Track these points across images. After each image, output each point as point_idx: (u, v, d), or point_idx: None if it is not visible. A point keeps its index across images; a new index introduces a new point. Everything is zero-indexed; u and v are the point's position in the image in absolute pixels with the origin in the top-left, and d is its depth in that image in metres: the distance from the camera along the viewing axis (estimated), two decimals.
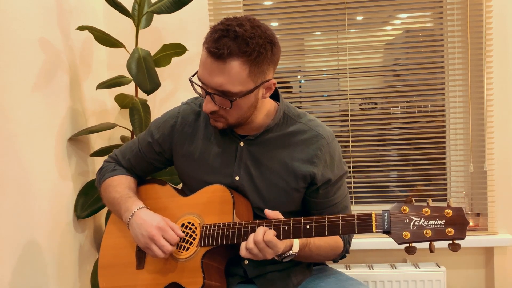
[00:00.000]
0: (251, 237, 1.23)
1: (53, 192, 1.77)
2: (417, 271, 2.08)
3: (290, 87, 2.41)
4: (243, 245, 1.23)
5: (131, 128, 2.01)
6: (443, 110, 2.30)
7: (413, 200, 1.15)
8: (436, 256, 2.09)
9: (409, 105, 2.31)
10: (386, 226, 1.14)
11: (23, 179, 1.58)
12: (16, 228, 1.54)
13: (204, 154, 1.45)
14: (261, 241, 1.20)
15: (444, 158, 2.31)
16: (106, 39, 1.96)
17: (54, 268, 1.75)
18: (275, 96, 1.44)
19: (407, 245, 1.13)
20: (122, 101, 2.07)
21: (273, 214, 1.27)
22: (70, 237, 1.88)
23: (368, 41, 2.30)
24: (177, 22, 2.23)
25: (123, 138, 2.19)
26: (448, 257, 2.19)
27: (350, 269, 2.14)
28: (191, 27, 2.25)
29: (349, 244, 1.51)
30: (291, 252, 1.28)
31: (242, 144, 1.42)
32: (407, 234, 1.11)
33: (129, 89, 2.08)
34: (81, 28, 1.87)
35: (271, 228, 1.23)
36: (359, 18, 2.32)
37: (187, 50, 2.08)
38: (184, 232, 1.38)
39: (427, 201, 1.15)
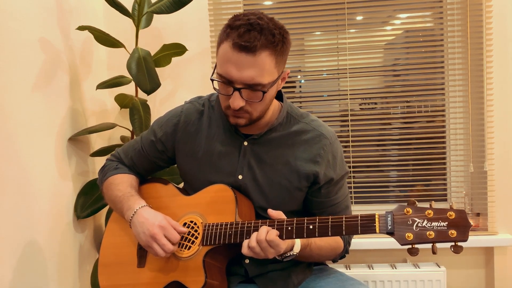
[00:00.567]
0: (253, 235, 1.23)
1: (53, 192, 1.76)
2: (417, 271, 2.08)
3: (294, 86, 2.41)
4: (245, 243, 1.24)
5: (131, 128, 2.01)
6: (443, 110, 2.30)
7: (416, 202, 1.15)
8: (436, 256, 2.09)
9: (409, 105, 2.31)
10: (390, 227, 1.14)
11: (23, 179, 1.58)
12: (16, 228, 1.53)
13: (207, 153, 1.45)
14: (263, 240, 1.20)
15: (444, 158, 2.31)
16: (106, 39, 1.96)
17: (54, 268, 1.75)
18: (278, 96, 1.44)
19: (409, 246, 1.13)
20: (122, 101, 2.07)
21: (276, 214, 1.27)
22: (70, 237, 1.88)
23: (368, 41, 2.30)
24: (177, 22, 2.22)
25: (123, 138, 2.19)
26: (448, 257, 2.19)
27: (350, 269, 2.14)
28: (191, 27, 2.25)
29: (349, 244, 1.51)
30: (292, 252, 1.28)
31: (246, 143, 1.42)
32: (410, 236, 1.12)
33: (129, 89, 2.08)
34: (81, 28, 1.87)
35: (274, 228, 1.24)
36: (359, 18, 2.32)
37: (187, 50, 2.08)
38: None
39: (430, 203, 1.15)
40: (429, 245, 1.13)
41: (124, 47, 1.99)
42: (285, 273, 1.45)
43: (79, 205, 1.91)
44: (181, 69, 2.25)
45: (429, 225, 1.11)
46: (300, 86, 2.39)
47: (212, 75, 1.31)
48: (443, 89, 2.27)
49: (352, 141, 2.29)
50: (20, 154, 1.56)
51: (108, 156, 1.65)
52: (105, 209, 2.03)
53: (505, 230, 2.19)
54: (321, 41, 2.36)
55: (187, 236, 1.38)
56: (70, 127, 1.90)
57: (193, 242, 1.37)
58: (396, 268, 2.11)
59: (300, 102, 2.36)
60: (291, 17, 2.30)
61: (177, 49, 2.07)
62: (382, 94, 2.35)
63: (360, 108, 2.37)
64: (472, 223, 1.11)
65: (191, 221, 1.40)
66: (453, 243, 1.10)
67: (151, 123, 1.60)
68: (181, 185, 1.59)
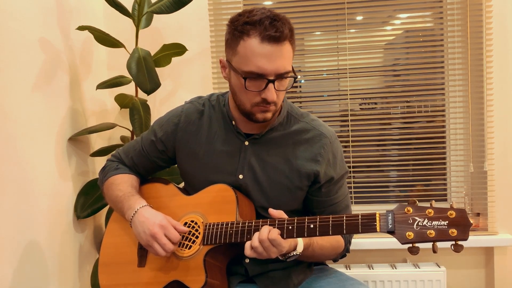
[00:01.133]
0: (255, 235, 1.22)
1: (53, 192, 1.76)
2: (417, 271, 2.08)
3: (294, 86, 2.39)
4: (247, 244, 1.23)
5: (131, 128, 2.01)
6: (443, 110, 2.30)
7: (417, 201, 1.16)
8: (436, 256, 2.09)
9: (409, 105, 2.31)
10: (390, 226, 1.14)
11: (23, 179, 1.58)
12: (16, 228, 1.53)
13: (207, 153, 1.45)
14: (266, 239, 1.20)
15: (444, 158, 2.31)
16: (106, 39, 1.96)
17: (54, 268, 1.74)
18: None
19: (410, 245, 1.13)
20: (122, 101, 2.07)
21: (277, 213, 1.27)
22: (70, 237, 1.88)
23: (368, 41, 2.30)
24: (177, 22, 2.22)
25: (123, 138, 2.19)
26: (448, 257, 2.19)
27: (350, 269, 2.14)
28: (191, 27, 2.25)
29: (350, 243, 1.52)
30: (295, 252, 1.28)
31: (247, 143, 1.43)
32: (410, 234, 1.12)
33: (129, 89, 2.08)
34: (81, 28, 1.87)
35: (275, 227, 1.24)
36: (359, 18, 2.32)
37: (187, 50, 2.08)
38: None
39: (431, 202, 1.15)
40: (430, 244, 1.13)
41: (124, 47, 1.99)
42: (285, 273, 1.46)
43: (79, 205, 1.90)
44: (181, 69, 2.25)
45: (430, 224, 1.11)
46: (300, 86, 2.39)
47: (242, 75, 1.27)
48: (443, 89, 2.27)
49: (352, 141, 2.29)
50: (20, 154, 1.56)
51: (109, 156, 1.66)
52: (105, 209, 2.02)
53: (505, 230, 2.19)
54: (321, 41, 2.36)
55: (187, 235, 1.38)
56: (70, 127, 1.90)
57: (193, 241, 1.37)
58: (396, 268, 2.11)
59: (300, 102, 2.36)
60: (291, 17, 2.25)
61: (177, 49, 2.07)
62: (382, 94, 2.35)
63: (360, 108, 2.37)
64: (472, 223, 1.11)
65: (192, 221, 1.40)
66: (453, 242, 1.10)
67: (151, 123, 1.61)
68: (182, 185, 1.60)
